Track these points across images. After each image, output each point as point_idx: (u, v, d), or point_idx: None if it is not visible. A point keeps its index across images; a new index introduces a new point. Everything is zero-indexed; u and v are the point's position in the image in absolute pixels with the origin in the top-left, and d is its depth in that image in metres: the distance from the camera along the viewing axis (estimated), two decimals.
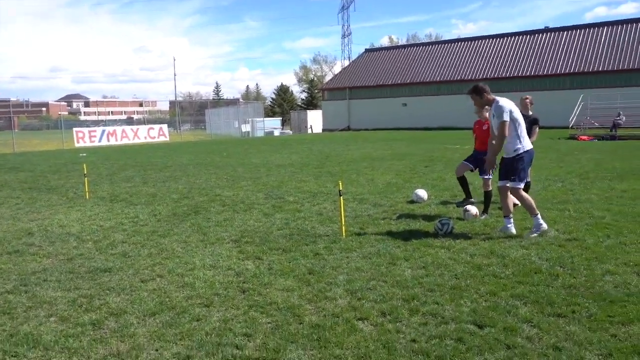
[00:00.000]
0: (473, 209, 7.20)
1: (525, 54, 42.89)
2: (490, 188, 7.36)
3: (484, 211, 7.32)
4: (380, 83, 49.13)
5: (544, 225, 6.12)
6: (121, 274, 5.13)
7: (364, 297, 4.31)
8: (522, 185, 6.17)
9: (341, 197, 6.47)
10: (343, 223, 6.44)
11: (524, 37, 44.78)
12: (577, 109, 30.67)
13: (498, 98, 6.23)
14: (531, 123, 8.03)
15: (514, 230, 6.21)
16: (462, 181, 7.84)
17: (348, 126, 49.21)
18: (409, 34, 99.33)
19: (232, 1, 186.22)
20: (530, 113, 8.15)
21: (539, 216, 6.13)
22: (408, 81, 47.39)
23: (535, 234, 6.04)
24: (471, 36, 52.16)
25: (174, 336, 3.68)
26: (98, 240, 6.59)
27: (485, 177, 7.35)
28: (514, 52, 43.81)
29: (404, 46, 59.08)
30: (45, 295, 4.58)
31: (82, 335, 3.74)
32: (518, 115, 6.12)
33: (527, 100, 8.16)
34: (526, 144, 6.16)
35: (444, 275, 4.81)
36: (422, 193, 8.66)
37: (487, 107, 7.51)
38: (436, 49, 50.08)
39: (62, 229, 7.28)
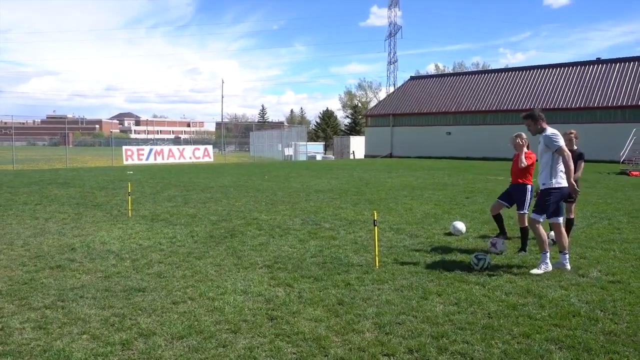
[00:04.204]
0: (499, 244, 7.11)
1: (575, 85, 41.90)
2: (526, 224, 7.17)
3: (522, 248, 7.12)
4: (425, 111, 48.88)
5: (550, 266, 6.06)
6: (154, 295, 5.22)
7: (392, 332, 4.24)
8: (541, 219, 6.16)
9: (376, 227, 6.42)
10: (377, 253, 6.39)
11: (574, 68, 43.80)
12: (630, 143, 29.61)
13: (549, 128, 6.27)
14: (577, 158, 7.83)
15: (568, 266, 6.15)
16: (498, 219, 7.79)
17: (390, 153, 49.03)
18: (455, 62, 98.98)
19: (281, 25, 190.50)
20: (575, 147, 7.94)
21: (548, 254, 6.10)
22: (453, 110, 46.97)
23: (540, 271, 5.99)
24: (520, 66, 51.41)
25: None
26: (136, 259, 6.74)
27: (521, 212, 7.22)
28: (563, 83, 42.87)
29: (450, 74, 58.83)
30: (80, 312, 4.70)
31: (110, 355, 3.81)
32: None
33: (572, 135, 7.95)
34: (560, 180, 6.10)
35: (477, 313, 4.69)
36: (461, 226, 8.51)
37: (521, 141, 7.44)
38: (483, 78, 49.58)
39: (103, 246, 7.50)
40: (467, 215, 10.34)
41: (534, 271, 5.99)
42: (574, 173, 7.77)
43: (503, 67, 62.99)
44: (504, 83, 46.69)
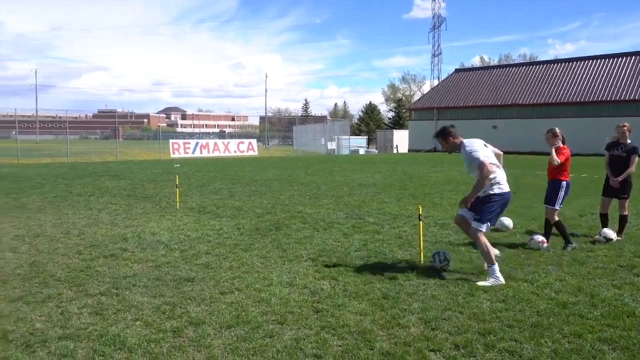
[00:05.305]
0: (538, 236, 7.01)
1: (628, 76, 40.18)
2: (556, 219, 7.10)
3: (566, 242, 6.95)
4: (470, 104, 47.99)
5: (501, 279, 5.37)
6: (202, 285, 5.36)
7: (438, 328, 4.22)
8: (483, 228, 5.59)
9: (421, 222, 6.38)
10: (422, 248, 6.35)
11: (627, 58, 41.98)
12: None
13: (464, 141, 5.72)
14: (629, 152, 7.56)
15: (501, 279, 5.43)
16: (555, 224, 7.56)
17: (434, 147, 48.34)
18: (501, 54, 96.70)
19: (324, 19, 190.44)
20: (629, 141, 7.66)
21: (496, 266, 5.45)
22: (499, 103, 45.90)
23: (488, 283, 5.34)
24: (569, 57, 49.72)
25: (247, 350, 3.80)
26: (184, 249, 6.93)
27: (551, 207, 7.16)
28: (616, 75, 41.18)
29: (496, 66, 57.45)
30: (134, 300, 4.88)
31: (162, 342, 3.95)
32: (489, 155, 5.65)
33: (625, 128, 7.65)
34: (502, 186, 5.60)
35: (525, 311, 4.60)
36: (507, 221, 8.35)
37: (554, 135, 7.20)
38: (530, 70, 48.20)
39: (153, 237, 7.74)
40: (514, 211, 10.10)
41: (481, 283, 5.36)
42: (629, 167, 7.52)
43: (552, 58, 61.07)
44: (553, 75, 45.26)
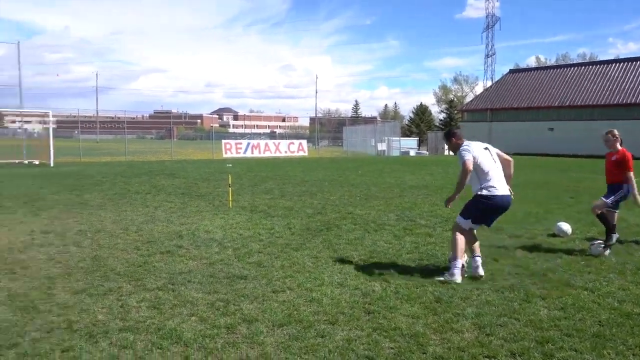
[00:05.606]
0: (594, 247, 6.79)
1: None
2: (603, 211, 7.03)
3: (608, 235, 6.87)
4: (525, 105, 46.63)
5: (457, 277, 5.48)
6: (255, 283, 5.44)
7: (493, 334, 4.12)
8: (464, 225, 5.74)
9: None
10: None
11: None
12: None
13: (465, 142, 5.81)
14: None
15: (479, 273, 5.62)
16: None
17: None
18: (558, 54, 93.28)
19: (374, 20, 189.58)
20: None
21: (458, 263, 5.55)
22: (556, 104, 44.40)
23: (442, 277, 5.54)
24: (632, 56, 47.42)
25: (299, 349, 3.83)
26: (237, 248, 7.05)
27: (604, 200, 7.01)
28: None
29: (553, 67, 55.55)
30: (189, 295, 5.01)
31: (217, 337, 4.04)
32: (482, 157, 5.65)
33: None
34: (492, 189, 5.58)
35: (586, 320, 4.43)
36: (566, 227, 8.06)
37: (614, 136, 6.99)
38: (590, 70, 46.34)
39: (207, 235, 7.91)
40: (573, 216, 9.76)
41: (437, 278, 5.56)
42: None
43: (613, 57, 58.50)
44: (613, 75, 43.38)
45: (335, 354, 3.75)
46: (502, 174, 5.74)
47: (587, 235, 8.06)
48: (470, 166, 5.54)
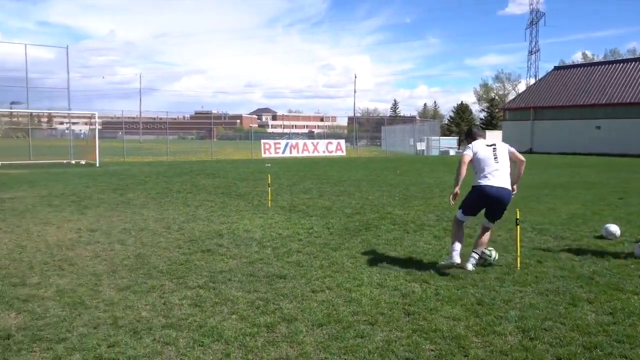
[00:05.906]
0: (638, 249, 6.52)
1: None
2: None
3: None
4: (571, 103, 45.29)
5: (454, 259, 5.74)
6: (294, 282, 5.46)
7: (538, 338, 4.01)
8: (462, 217, 6.07)
9: (518, 226, 6.11)
10: (519, 254, 6.08)
11: None
12: None
13: (478, 139, 6.15)
14: None
15: (469, 266, 5.88)
16: None
17: (530, 148, 46.16)
18: (606, 50, 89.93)
19: (414, 18, 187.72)
20: None
21: (456, 246, 5.85)
22: (604, 102, 42.94)
23: (444, 262, 5.89)
24: None
25: (338, 349, 3.82)
26: (276, 247, 7.10)
27: None
28: None
29: (600, 63, 53.73)
30: (229, 294, 5.07)
31: (257, 336, 4.07)
32: (482, 152, 5.92)
33: None
34: (480, 180, 5.84)
35: (636, 325, 4.26)
36: (614, 229, 7.78)
37: None
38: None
39: (247, 234, 8.00)
40: (622, 218, 9.42)
41: (442, 263, 5.95)
42: None
43: None
44: None
45: (375, 354, 3.73)
46: (503, 169, 5.89)
47: (638, 237, 7.76)
48: (466, 159, 5.91)
